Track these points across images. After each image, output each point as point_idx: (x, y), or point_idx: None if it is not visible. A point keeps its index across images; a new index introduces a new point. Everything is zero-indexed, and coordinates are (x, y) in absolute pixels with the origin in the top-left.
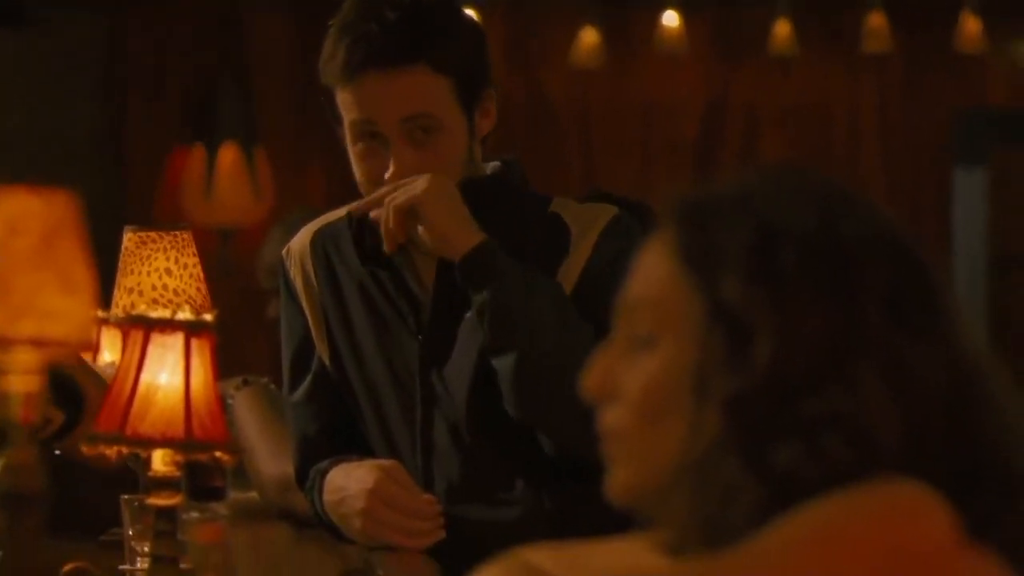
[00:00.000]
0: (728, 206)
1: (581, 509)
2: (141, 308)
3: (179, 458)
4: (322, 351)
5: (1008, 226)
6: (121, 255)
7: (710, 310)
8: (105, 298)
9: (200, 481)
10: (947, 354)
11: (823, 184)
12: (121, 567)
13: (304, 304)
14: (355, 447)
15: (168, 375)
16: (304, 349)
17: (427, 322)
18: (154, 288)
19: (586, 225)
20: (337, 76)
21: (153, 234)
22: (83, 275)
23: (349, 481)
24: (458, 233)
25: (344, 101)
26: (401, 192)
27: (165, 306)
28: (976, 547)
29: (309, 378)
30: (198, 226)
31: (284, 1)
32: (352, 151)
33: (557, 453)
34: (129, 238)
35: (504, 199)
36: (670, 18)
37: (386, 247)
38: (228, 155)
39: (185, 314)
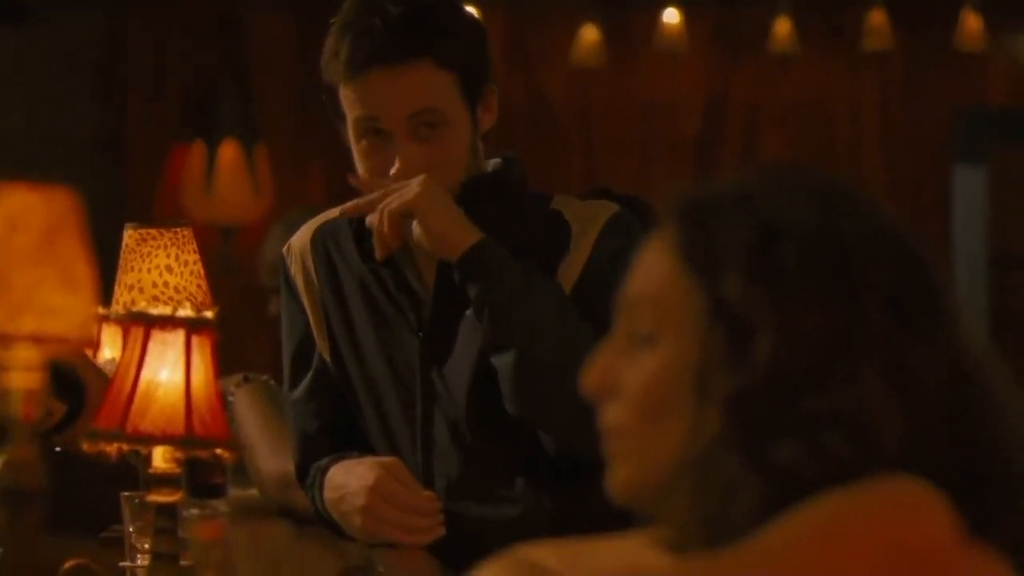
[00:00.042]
0: (729, 204)
1: (581, 507)
2: (142, 305)
3: (179, 455)
4: (323, 348)
5: (1008, 225)
6: (122, 252)
7: (711, 308)
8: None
9: (200, 478)
10: (948, 352)
11: (824, 182)
12: (121, 564)
13: (305, 301)
14: (355, 444)
15: (169, 372)
16: (305, 346)
17: (428, 319)
18: (155, 285)
19: (587, 222)
20: (340, 73)
21: (154, 231)
22: (84, 272)
23: (349, 478)
24: (455, 233)
25: (348, 98)
26: (395, 197)
27: (166, 303)
28: (977, 545)
29: (310, 375)
30: (199, 223)
31: (284, 1)
32: (356, 148)
33: (557, 451)
34: (130, 235)
35: (505, 197)
36: (670, 16)
37: (378, 254)
38: (228, 152)
39: (186, 311)
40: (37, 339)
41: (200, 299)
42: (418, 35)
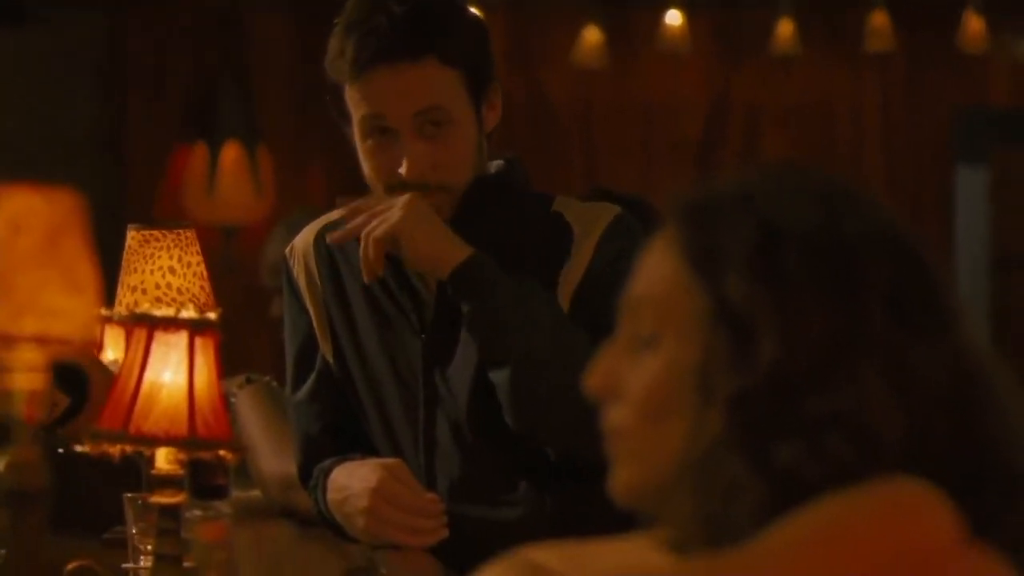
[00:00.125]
0: (730, 205)
1: (583, 508)
2: (145, 306)
3: (182, 456)
4: (325, 350)
5: (1009, 225)
6: (125, 253)
7: (714, 309)
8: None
9: (203, 479)
10: (949, 353)
11: (825, 183)
12: (124, 565)
13: (307, 303)
14: (358, 446)
15: (172, 373)
16: (307, 348)
17: (430, 321)
18: (158, 287)
19: (588, 225)
20: (346, 73)
21: (157, 232)
22: (87, 273)
23: (352, 480)
24: (442, 252)
25: (353, 98)
26: (378, 222)
27: (169, 304)
28: (979, 546)
29: (312, 377)
30: (201, 224)
31: (284, 1)
32: (361, 148)
33: (558, 459)
34: (133, 236)
35: (507, 199)
36: (673, 17)
37: (365, 278)
38: (231, 153)
39: (189, 312)
40: (40, 340)
41: (203, 301)
42: (423, 33)
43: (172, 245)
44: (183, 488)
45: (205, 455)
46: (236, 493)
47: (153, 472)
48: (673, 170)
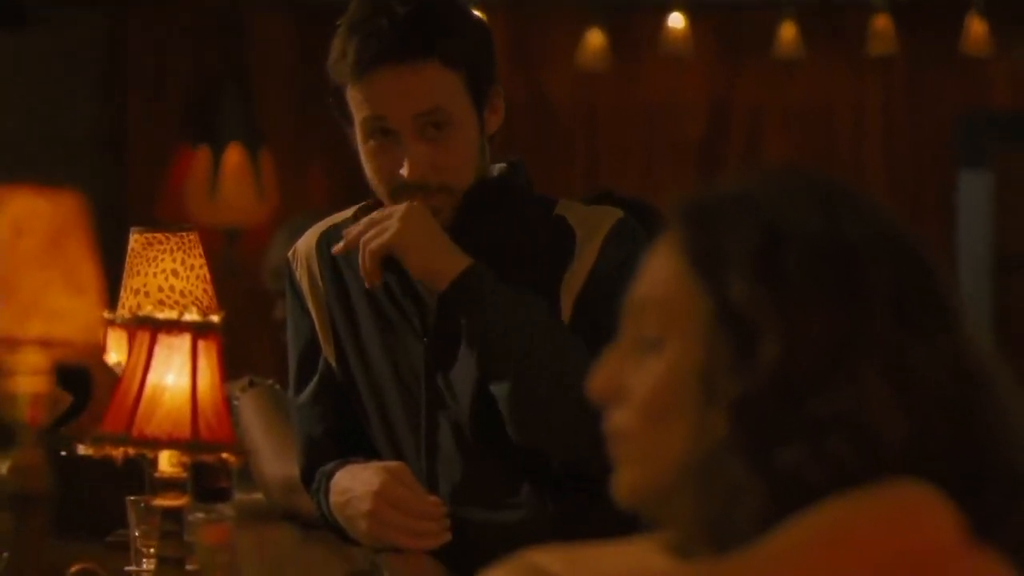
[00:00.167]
0: (732, 207)
1: (586, 512)
2: (148, 309)
3: (185, 459)
4: (328, 353)
5: (1011, 228)
6: (127, 256)
7: (717, 311)
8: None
9: (206, 482)
10: (951, 354)
11: (827, 185)
12: (127, 568)
13: (310, 306)
14: (361, 449)
15: (175, 376)
16: (310, 351)
17: (433, 325)
18: (160, 289)
19: (591, 229)
20: (348, 74)
21: (160, 235)
22: (90, 275)
23: (355, 483)
24: (440, 264)
25: (355, 99)
26: (374, 234)
27: (172, 307)
28: (980, 547)
29: (315, 380)
30: (203, 227)
31: (284, 1)
32: (363, 149)
33: (561, 468)
34: (136, 239)
35: (510, 202)
36: (675, 20)
37: (367, 284)
38: (233, 156)
39: (192, 315)
40: (44, 343)
41: (206, 304)
42: (424, 35)
43: (175, 248)
44: (186, 491)
45: (208, 458)
46: (239, 496)
47: (156, 475)
48: (675, 172)
